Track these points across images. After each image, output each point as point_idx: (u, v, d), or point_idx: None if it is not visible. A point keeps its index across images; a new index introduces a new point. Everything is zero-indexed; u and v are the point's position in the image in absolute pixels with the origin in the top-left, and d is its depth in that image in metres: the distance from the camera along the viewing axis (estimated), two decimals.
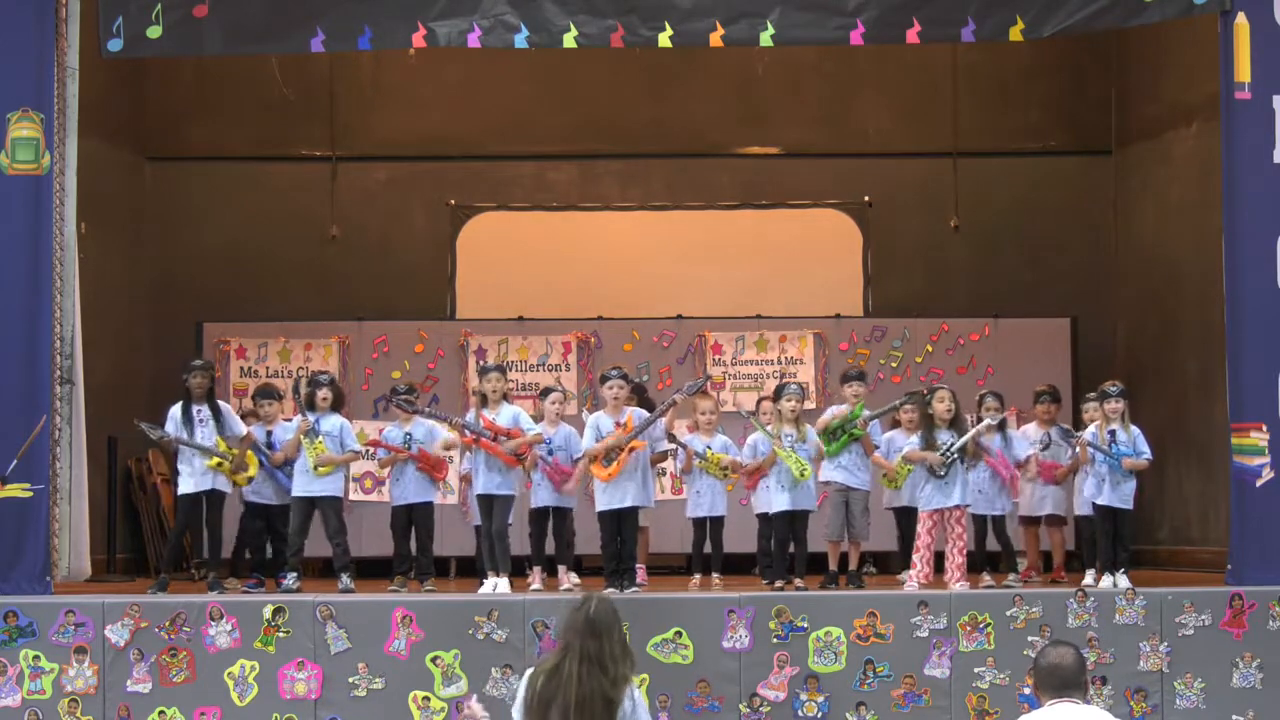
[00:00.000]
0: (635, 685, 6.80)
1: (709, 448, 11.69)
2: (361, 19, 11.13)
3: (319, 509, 11.26)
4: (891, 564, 13.29)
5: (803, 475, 11.08)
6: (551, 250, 16.34)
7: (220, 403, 11.46)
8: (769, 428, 11.33)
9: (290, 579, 11.04)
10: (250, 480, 11.56)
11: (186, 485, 11.17)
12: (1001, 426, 11.79)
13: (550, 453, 11.09)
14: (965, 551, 11.18)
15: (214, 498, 11.25)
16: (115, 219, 14.95)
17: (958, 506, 11.15)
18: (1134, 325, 15.91)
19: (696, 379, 11.82)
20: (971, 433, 11.20)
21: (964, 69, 16.22)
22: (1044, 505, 12.26)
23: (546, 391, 11.49)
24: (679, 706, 10.04)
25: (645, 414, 11.07)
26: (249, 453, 11.50)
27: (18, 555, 10.67)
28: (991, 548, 11.91)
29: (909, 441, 11.70)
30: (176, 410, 11.22)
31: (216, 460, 11.10)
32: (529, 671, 6.83)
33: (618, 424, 10.84)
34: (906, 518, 12.12)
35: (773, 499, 11.23)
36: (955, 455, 11.10)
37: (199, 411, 11.19)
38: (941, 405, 11.29)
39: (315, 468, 11.11)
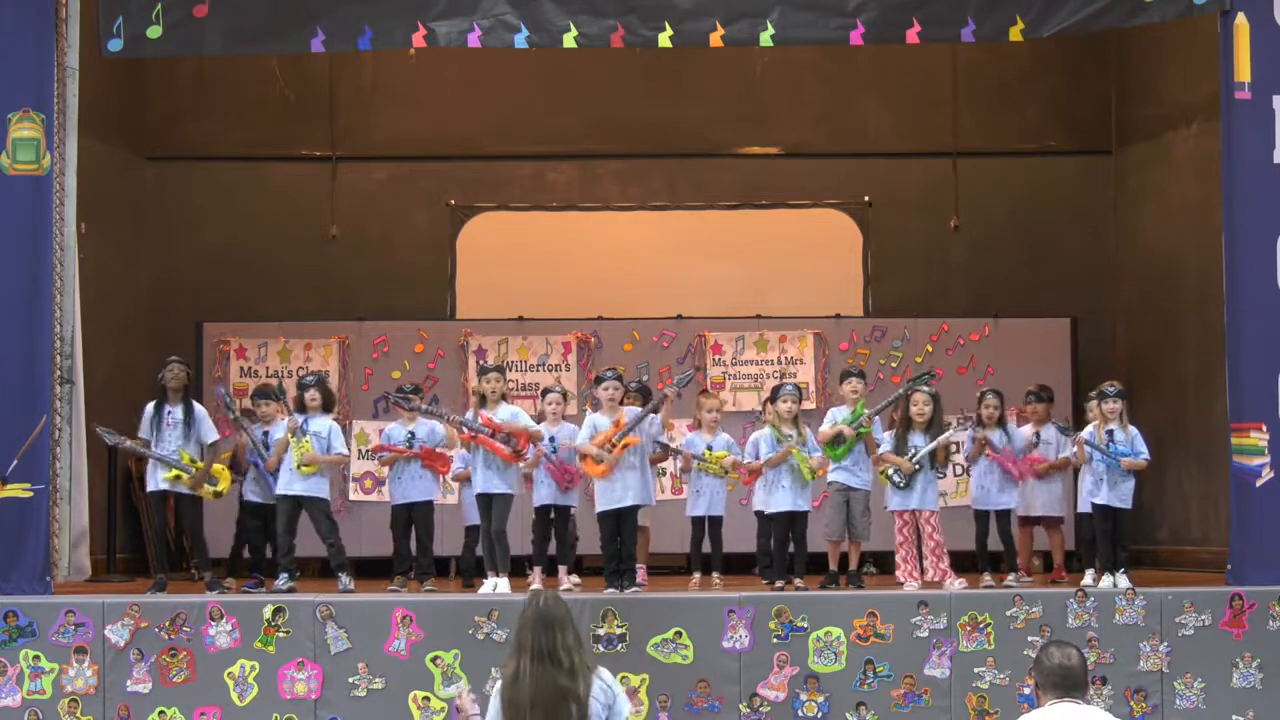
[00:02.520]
0: (609, 676, 6.69)
1: (710, 447, 11.70)
2: (361, 19, 11.13)
3: (307, 511, 11.25)
4: (890, 564, 13.26)
5: (813, 475, 11.09)
6: (551, 250, 16.33)
7: (196, 405, 11.35)
8: (777, 428, 11.32)
9: (282, 580, 11.04)
10: (219, 495, 11.46)
11: (152, 483, 11.20)
12: (1001, 423, 11.79)
13: (555, 450, 11.10)
14: (940, 551, 11.19)
15: (181, 499, 11.23)
16: (115, 219, 14.94)
17: (923, 510, 11.18)
18: (1134, 325, 15.91)
19: (684, 373, 11.81)
20: (938, 440, 11.20)
21: (964, 69, 16.22)
22: (1034, 506, 12.25)
23: (546, 391, 11.51)
24: (679, 706, 10.04)
25: (639, 412, 11.08)
26: (217, 465, 11.39)
27: (18, 555, 10.67)
28: (994, 547, 11.87)
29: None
30: (150, 409, 11.19)
31: (175, 472, 11.06)
32: (498, 680, 6.75)
33: (614, 423, 10.84)
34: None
35: (771, 499, 11.24)
36: (922, 463, 11.13)
37: (169, 413, 11.15)
38: (915, 408, 11.30)
39: (298, 466, 11.09)
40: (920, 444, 11.21)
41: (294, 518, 11.25)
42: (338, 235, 16.27)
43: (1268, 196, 11.03)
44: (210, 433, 11.30)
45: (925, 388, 11.46)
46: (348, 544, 11.61)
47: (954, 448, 11.41)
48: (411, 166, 16.59)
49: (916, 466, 11.15)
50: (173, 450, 11.08)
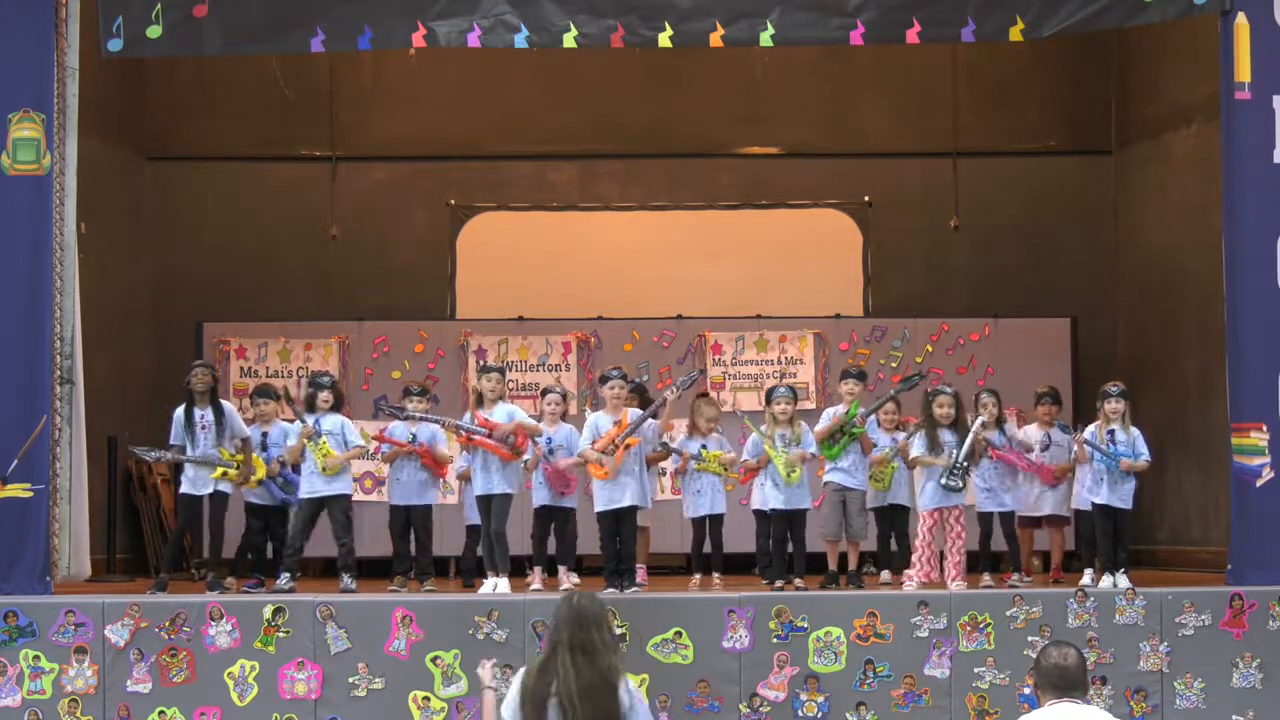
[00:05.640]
0: (631, 681, 6.84)
1: (704, 447, 11.69)
2: (361, 19, 11.12)
3: (327, 508, 11.23)
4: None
5: (790, 476, 11.05)
6: (551, 250, 16.34)
7: (224, 403, 11.41)
8: (763, 428, 11.32)
9: (283, 579, 11.03)
10: (261, 482, 11.56)
11: (189, 486, 11.18)
12: (999, 424, 11.77)
13: (551, 452, 11.09)
14: (963, 551, 11.17)
15: (217, 498, 11.24)
16: (115, 219, 14.94)
17: (957, 506, 11.16)
18: (1134, 325, 15.91)
19: (689, 374, 11.80)
20: (968, 442, 11.17)
21: (964, 69, 16.22)
22: (1043, 505, 12.25)
23: (546, 391, 11.51)
24: (679, 706, 10.04)
25: (641, 412, 11.06)
26: (255, 456, 11.49)
27: (18, 555, 10.66)
28: (997, 546, 11.85)
29: (892, 440, 11.72)
30: (180, 415, 11.20)
31: (221, 471, 11.10)
32: (522, 670, 6.87)
33: (615, 424, 10.84)
34: (886, 517, 12.10)
35: (771, 498, 11.23)
36: (965, 466, 11.10)
37: (201, 416, 11.17)
38: (940, 410, 11.30)
39: (324, 469, 11.09)
40: (952, 442, 11.18)
41: (313, 521, 11.24)
42: (338, 235, 16.27)
43: (1268, 196, 11.02)
44: (244, 428, 11.39)
45: (946, 389, 11.45)
46: None
47: (984, 443, 11.40)
48: (411, 166, 16.59)
49: (965, 464, 11.11)
50: (212, 453, 11.10)
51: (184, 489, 11.23)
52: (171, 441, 11.22)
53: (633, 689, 6.83)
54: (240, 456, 11.25)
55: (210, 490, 11.14)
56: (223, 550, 11.59)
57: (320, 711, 10.07)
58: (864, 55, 15.41)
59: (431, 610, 10.24)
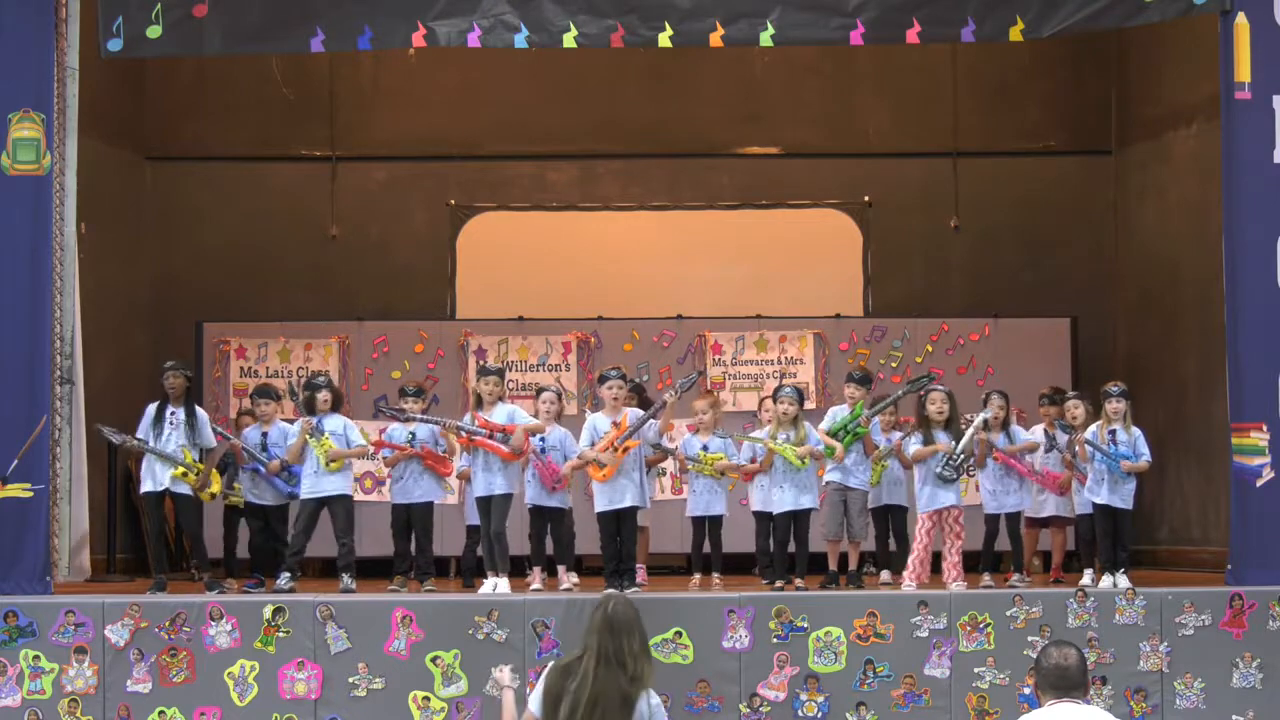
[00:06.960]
0: (655, 695, 6.89)
1: (705, 448, 11.69)
2: (361, 19, 11.13)
3: (329, 507, 11.19)
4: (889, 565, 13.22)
5: (803, 463, 11.03)
6: (551, 250, 16.35)
7: (198, 409, 11.30)
8: (768, 428, 11.32)
9: (283, 579, 11.01)
10: (213, 498, 11.47)
11: (147, 484, 11.12)
12: (1004, 426, 11.75)
13: (544, 451, 11.08)
14: (962, 551, 11.15)
15: (181, 500, 11.15)
16: (115, 219, 14.95)
17: (956, 506, 11.15)
18: (1134, 325, 15.91)
19: (687, 376, 11.80)
20: (967, 436, 11.15)
21: (964, 69, 16.23)
22: (1045, 507, 12.24)
23: (541, 390, 11.50)
24: (679, 706, 10.03)
25: (641, 414, 11.06)
26: (213, 471, 11.39)
27: (18, 555, 10.66)
28: (1000, 546, 11.85)
29: (887, 440, 11.71)
30: (151, 409, 11.16)
31: (181, 470, 11.02)
32: (550, 664, 6.93)
33: (614, 424, 10.83)
34: (882, 517, 12.11)
35: (774, 498, 11.22)
36: (962, 459, 11.07)
37: (173, 414, 11.11)
38: (933, 407, 11.27)
39: (326, 464, 11.07)
40: (948, 441, 11.14)
41: (314, 520, 11.19)
42: (338, 235, 16.29)
43: (1268, 196, 11.03)
44: (210, 439, 11.27)
45: (939, 387, 11.42)
46: None
47: (987, 445, 11.38)
48: (411, 166, 16.60)
49: (962, 456, 11.07)
50: (175, 450, 11.06)
51: (143, 488, 11.17)
52: (138, 435, 11.16)
53: (654, 699, 6.89)
54: (201, 465, 11.16)
55: (165, 486, 11.03)
56: (205, 550, 11.53)
57: (320, 711, 10.07)
58: (864, 55, 15.44)
59: (431, 610, 10.23)
